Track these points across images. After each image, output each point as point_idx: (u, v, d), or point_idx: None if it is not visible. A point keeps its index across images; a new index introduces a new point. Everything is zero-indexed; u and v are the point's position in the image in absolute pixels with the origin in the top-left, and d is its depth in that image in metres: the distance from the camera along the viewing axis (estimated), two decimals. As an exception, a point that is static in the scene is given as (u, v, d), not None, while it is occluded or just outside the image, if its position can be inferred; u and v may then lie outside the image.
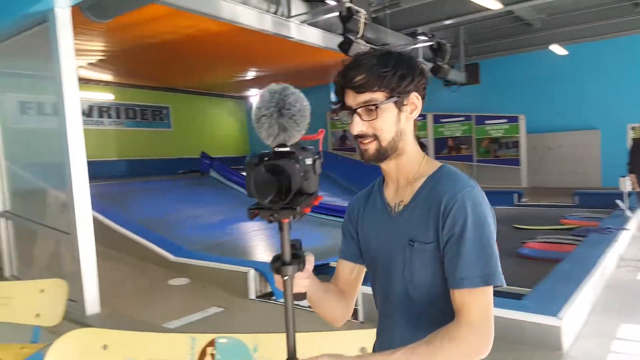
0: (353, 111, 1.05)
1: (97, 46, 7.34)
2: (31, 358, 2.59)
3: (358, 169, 9.25)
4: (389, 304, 1.11)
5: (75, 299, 3.39)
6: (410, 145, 1.09)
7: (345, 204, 5.92)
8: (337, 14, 6.32)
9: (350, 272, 1.20)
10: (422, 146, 1.13)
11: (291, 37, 6.39)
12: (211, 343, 1.74)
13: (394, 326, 1.10)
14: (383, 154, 1.06)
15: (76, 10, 3.90)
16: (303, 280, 1.02)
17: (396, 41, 7.98)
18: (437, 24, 8.69)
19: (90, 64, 8.54)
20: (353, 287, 1.21)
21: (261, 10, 5.87)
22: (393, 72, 1.02)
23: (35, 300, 2.70)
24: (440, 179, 1.06)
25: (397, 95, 1.03)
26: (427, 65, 8.91)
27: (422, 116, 9.56)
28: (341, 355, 0.93)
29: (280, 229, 0.93)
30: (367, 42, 6.61)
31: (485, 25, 10.16)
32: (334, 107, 1.09)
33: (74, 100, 3.41)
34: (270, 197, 0.85)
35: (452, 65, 9.96)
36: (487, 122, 11.04)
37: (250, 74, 10.61)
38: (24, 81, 4.65)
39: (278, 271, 0.95)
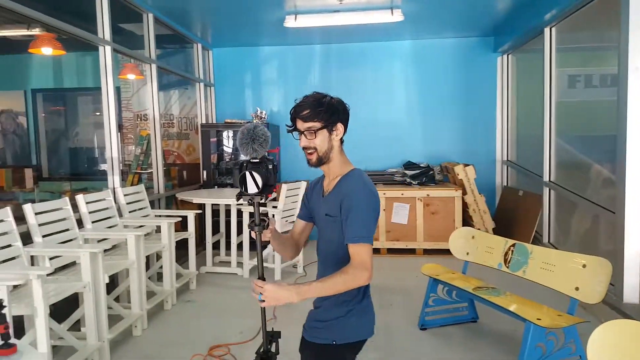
0: (301, 132, 1.61)
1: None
2: (566, 329, 2.64)
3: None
4: (319, 252, 1.73)
5: (612, 282, 3.18)
6: (336, 156, 1.65)
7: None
8: None
9: (302, 228, 1.83)
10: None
11: None
12: None
13: (321, 266, 1.73)
14: (320, 161, 1.64)
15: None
16: (266, 234, 1.64)
17: None
18: None
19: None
20: (303, 237, 1.85)
21: None
22: (325, 111, 1.58)
23: (576, 273, 2.71)
24: (346, 179, 1.64)
25: (327, 125, 1.60)
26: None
27: None
28: (282, 284, 1.50)
29: (253, 205, 1.59)
30: None
31: None
32: (289, 128, 1.65)
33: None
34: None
35: None
36: None
37: None
38: (577, 55, 4.69)
39: (252, 228, 1.60)
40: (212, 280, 4.83)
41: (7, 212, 2.85)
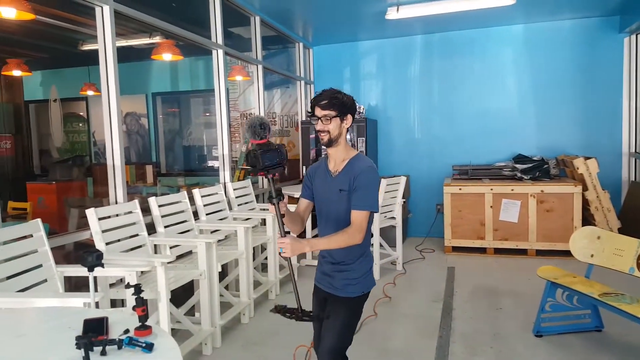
0: (318, 118, 1.95)
1: None
2: None
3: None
4: (324, 220, 2.07)
5: None
6: (343, 141, 2.00)
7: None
8: None
9: (306, 206, 2.14)
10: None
11: None
12: None
13: (324, 231, 2.05)
14: (330, 142, 1.97)
15: None
16: (282, 207, 1.94)
17: None
18: None
19: None
20: (307, 214, 2.16)
21: None
22: (339, 103, 1.94)
23: None
24: (356, 160, 2.00)
25: (340, 114, 1.95)
26: None
27: None
28: (299, 239, 1.85)
29: (269, 181, 1.92)
30: None
31: None
32: (308, 114, 2.02)
33: None
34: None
35: None
36: None
37: None
38: None
39: (270, 201, 1.93)
40: (312, 273, 4.90)
41: (135, 204, 3.15)
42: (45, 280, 2.34)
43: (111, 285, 2.80)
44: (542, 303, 3.27)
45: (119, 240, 2.96)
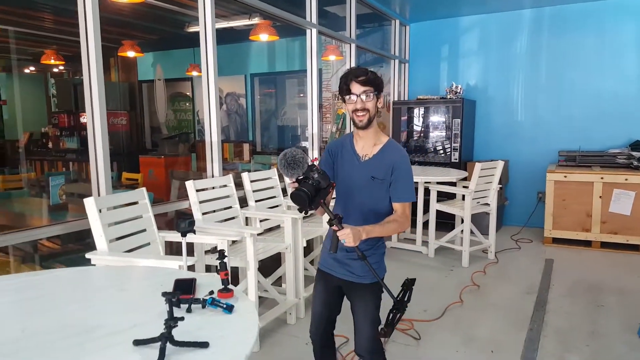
0: (357, 95, 1.81)
1: None
2: None
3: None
4: (342, 203, 1.94)
5: None
6: (375, 122, 1.89)
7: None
8: None
9: None
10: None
11: None
12: None
13: (349, 220, 1.80)
14: (368, 123, 1.85)
15: None
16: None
17: None
18: None
19: None
20: (330, 196, 1.78)
21: None
22: (377, 79, 1.84)
23: None
24: (391, 148, 1.91)
25: (377, 92, 1.84)
26: None
27: None
28: (356, 227, 1.66)
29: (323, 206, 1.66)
30: None
31: None
32: (344, 90, 1.84)
33: None
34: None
35: None
36: None
37: None
38: None
39: (331, 224, 1.67)
40: (396, 256, 4.88)
41: (230, 178, 3.33)
42: (149, 244, 2.58)
43: (206, 252, 3.01)
44: (653, 305, 2.94)
45: (214, 212, 3.16)
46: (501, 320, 3.32)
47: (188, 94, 8.41)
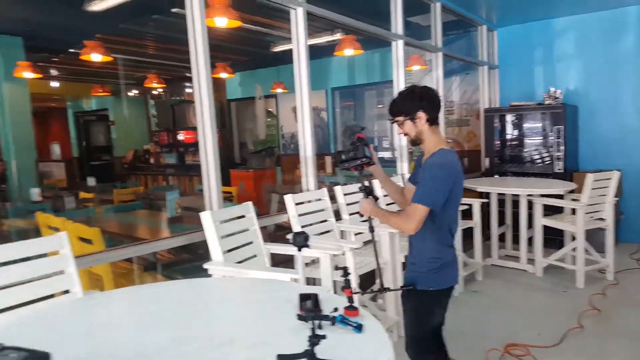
0: (395, 122, 2.09)
1: None
2: None
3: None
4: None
5: None
6: (427, 137, 2.02)
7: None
8: None
9: (409, 188, 2.18)
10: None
11: None
12: None
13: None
14: (414, 142, 2.06)
15: None
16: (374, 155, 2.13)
17: None
18: None
19: None
20: (409, 194, 2.12)
21: None
22: (402, 108, 2.02)
23: None
24: (432, 156, 1.99)
25: (408, 116, 2.00)
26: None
27: None
28: (374, 204, 2.04)
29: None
30: None
31: None
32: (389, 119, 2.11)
33: None
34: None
35: None
36: None
37: None
38: None
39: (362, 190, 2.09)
40: (498, 274, 4.62)
41: (324, 192, 3.37)
42: (255, 256, 2.66)
43: (306, 264, 3.06)
44: None
45: (310, 225, 3.20)
46: (633, 352, 3.01)
47: (272, 110, 8.70)
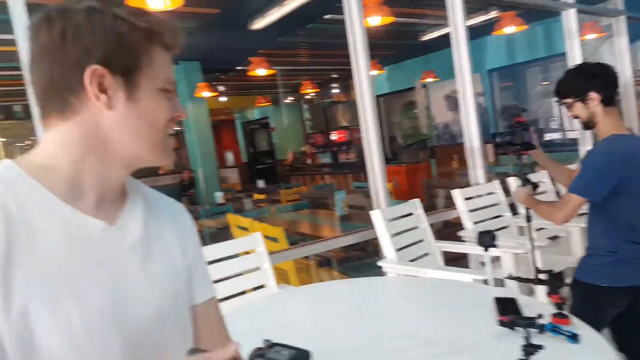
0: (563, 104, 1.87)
1: None
2: None
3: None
4: None
5: None
6: (601, 120, 1.77)
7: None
8: None
9: None
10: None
11: None
12: None
13: None
14: (587, 125, 1.83)
15: None
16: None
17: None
18: None
19: None
20: None
21: None
22: (569, 89, 1.82)
23: None
24: (597, 143, 1.83)
25: (577, 98, 1.79)
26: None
27: None
28: (527, 192, 1.90)
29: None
30: None
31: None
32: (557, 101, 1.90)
33: None
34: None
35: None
36: None
37: None
38: None
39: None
40: None
41: (496, 185, 3.14)
42: (427, 254, 2.59)
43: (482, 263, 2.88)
44: None
45: (482, 221, 3.01)
46: None
47: (414, 101, 8.52)
